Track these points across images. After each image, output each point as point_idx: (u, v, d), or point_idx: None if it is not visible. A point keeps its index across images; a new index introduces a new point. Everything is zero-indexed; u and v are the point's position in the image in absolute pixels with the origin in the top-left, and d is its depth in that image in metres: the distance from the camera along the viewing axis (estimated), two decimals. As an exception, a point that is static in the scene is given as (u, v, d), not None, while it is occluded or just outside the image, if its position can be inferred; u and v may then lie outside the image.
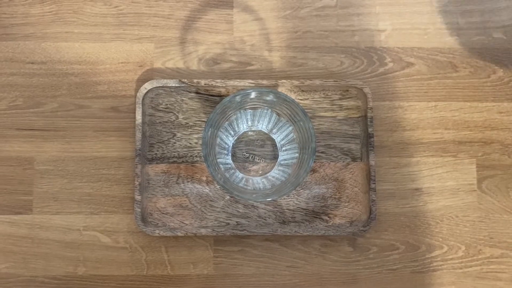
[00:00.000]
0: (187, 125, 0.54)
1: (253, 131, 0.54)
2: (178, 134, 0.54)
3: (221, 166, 0.52)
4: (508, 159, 0.54)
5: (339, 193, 0.54)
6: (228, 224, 0.53)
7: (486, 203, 0.54)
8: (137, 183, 0.52)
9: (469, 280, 0.54)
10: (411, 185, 0.54)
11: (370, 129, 0.53)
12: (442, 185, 0.54)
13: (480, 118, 0.55)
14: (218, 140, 0.52)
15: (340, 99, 0.55)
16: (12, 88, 0.54)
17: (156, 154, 0.54)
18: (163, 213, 0.53)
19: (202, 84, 0.53)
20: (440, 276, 0.54)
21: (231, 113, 0.51)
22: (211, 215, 0.53)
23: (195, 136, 0.54)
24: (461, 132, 0.55)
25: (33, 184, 0.53)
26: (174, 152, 0.54)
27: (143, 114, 0.53)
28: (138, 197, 0.52)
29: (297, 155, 0.51)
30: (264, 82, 0.54)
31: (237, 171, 0.53)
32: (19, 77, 0.54)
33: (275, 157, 0.54)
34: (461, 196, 0.54)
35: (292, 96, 0.54)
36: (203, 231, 0.52)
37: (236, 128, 0.53)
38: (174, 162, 0.54)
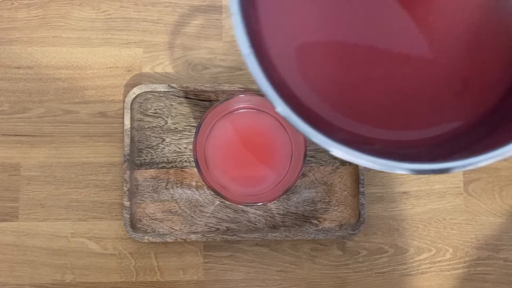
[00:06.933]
0: (176, 130, 0.54)
1: (243, 135, 0.54)
2: (167, 139, 0.54)
3: (211, 171, 0.52)
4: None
5: (328, 197, 0.54)
6: (218, 229, 0.53)
7: (473, 205, 0.55)
8: (125, 188, 0.52)
9: (457, 282, 0.54)
10: (399, 188, 0.55)
11: (358, 133, 0.54)
12: (429, 188, 0.55)
13: (466, 122, 0.56)
14: (208, 144, 0.52)
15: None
16: (-3, 93, 0.53)
17: (145, 159, 0.53)
18: (152, 219, 0.53)
19: (191, 89, 0.53)
20: (428, 278, 0.54)
21: (222, 118, 0.51)
22: (201, 221, 0.53)
23: (185, 141, 0.54)
24: (448, 136, 0.56)
25: (19, 191, 0.53)
26: (163, 157, 0.53)
27: (132, 119, 0.53)
28: (126, 203, 0.52)
29: (287, 159, 0.52)
30: (254, 87, 0.54)
31: (227, 176, 0.53)
32: (5, 82, 0.53)
33: (265, 161, 0.54)
34: (448, 199, 0.55)
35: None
36: (193, 236, 0.52)
37: (226, 133, 0.53)
38: (163, 167, 0.53)
